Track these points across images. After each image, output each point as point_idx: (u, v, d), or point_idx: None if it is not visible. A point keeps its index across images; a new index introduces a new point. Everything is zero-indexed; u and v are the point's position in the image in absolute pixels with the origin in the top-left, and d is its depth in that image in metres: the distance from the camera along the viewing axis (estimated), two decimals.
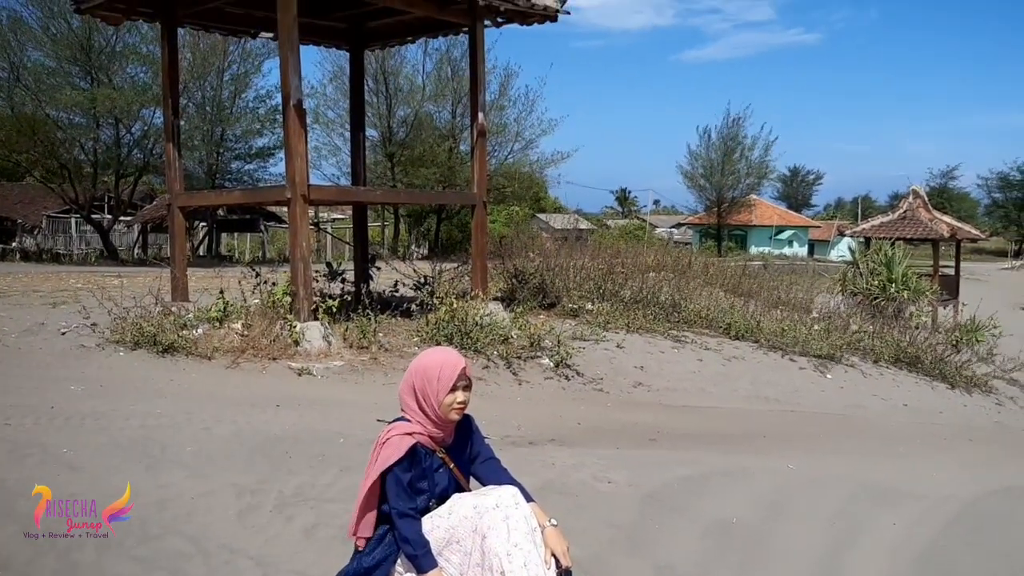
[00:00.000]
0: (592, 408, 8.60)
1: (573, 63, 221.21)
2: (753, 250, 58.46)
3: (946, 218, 26.03)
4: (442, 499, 3.24)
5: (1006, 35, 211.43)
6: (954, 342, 14.18)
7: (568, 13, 11.00)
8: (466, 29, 11.41)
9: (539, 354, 9.77)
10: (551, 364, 9.59)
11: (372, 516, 3.21)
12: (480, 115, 11.23)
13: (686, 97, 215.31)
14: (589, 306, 12.17)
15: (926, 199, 25.49)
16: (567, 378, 9.48)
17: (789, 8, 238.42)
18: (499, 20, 11.18)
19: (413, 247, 36.57)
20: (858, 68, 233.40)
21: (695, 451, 6.90)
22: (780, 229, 64.94)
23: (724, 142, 55.16)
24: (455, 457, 3.32)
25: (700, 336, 11.94)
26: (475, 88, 11.33)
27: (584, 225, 51.97)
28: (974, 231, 27.60)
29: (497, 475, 3.39)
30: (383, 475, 3.13)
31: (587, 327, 11.08)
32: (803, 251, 63.80)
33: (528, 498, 3.27)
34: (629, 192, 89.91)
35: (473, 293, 10.81)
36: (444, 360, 3.25)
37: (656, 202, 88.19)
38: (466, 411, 3.29)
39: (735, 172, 56.52)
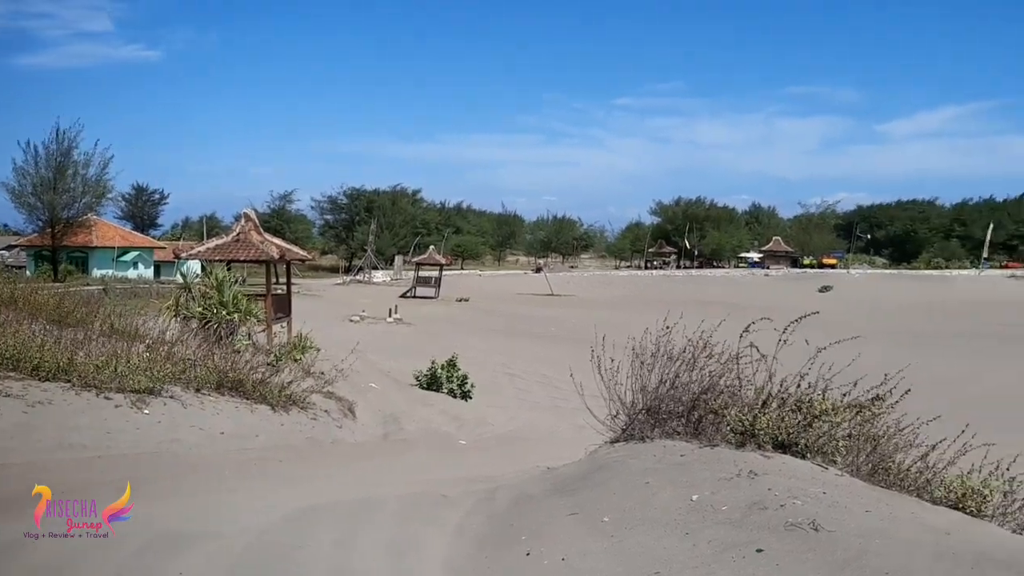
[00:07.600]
0: None
1: None
2: (96, 273, 55.54)
3: (276, 240, 27.43)
4: None
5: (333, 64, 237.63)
6: (274, 362, 14.84)
7: None
8: None
9: None
10: None
11: None
12: None
13: (20, 106, 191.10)
14: None
15: (257, 222, 26.50)
16: None
17: (128, 23, 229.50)
18: None
19: None
20: (203, 89, 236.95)
21: None
22: (124, 251, 62.51)
23: (54, 158, 51.13)
24: None
25: (3, 382, 10.40)
26: None
27: None
28: (302, 252, 29.72)
29: None
30: None
31: None
32: (149, 273, 62.50)
33: None
34: None
35: None
36: None
37: None
38: None
39: (70, 190, 52.85)
